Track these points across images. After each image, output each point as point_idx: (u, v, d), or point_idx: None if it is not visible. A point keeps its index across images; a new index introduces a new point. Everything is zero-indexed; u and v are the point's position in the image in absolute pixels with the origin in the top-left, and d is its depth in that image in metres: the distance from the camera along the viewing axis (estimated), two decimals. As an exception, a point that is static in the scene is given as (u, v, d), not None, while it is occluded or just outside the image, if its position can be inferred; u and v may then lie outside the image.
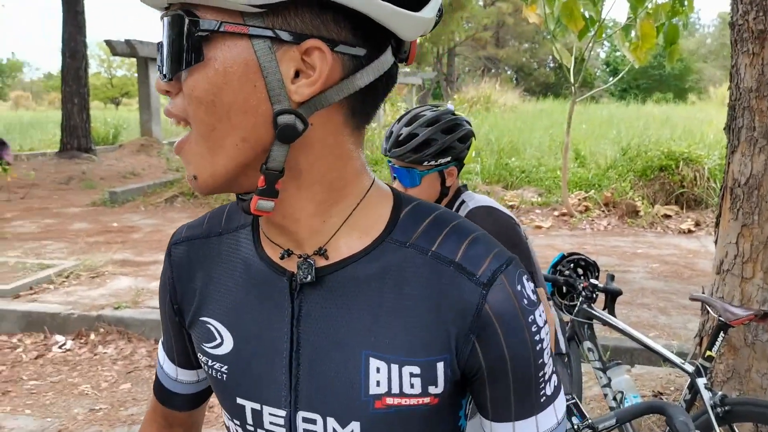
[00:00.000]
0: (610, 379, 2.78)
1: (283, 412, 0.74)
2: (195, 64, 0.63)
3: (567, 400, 1.67)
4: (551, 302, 3.05)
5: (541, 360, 0.70)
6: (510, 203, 9.23)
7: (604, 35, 7.59)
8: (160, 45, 0.66)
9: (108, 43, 15.39)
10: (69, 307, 5.14)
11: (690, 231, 8.07)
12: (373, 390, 0.70)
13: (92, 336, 4.86)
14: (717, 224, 3.11)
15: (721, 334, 2.50)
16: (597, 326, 2.98)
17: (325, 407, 0.72)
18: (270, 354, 0.74)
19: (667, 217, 8.52)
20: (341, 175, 0.70)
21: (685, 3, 6.30)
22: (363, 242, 0.72)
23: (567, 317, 3.04)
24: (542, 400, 0.72)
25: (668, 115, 17.27)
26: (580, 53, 8.20)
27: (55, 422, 3.67)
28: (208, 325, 0.79)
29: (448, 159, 1.87)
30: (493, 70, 39.39)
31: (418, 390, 0.70)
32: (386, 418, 0.70)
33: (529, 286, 0.70)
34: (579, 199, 9.06)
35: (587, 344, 2.93)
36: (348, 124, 0.68)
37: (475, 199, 1.90)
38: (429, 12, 0.66)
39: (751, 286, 2.89)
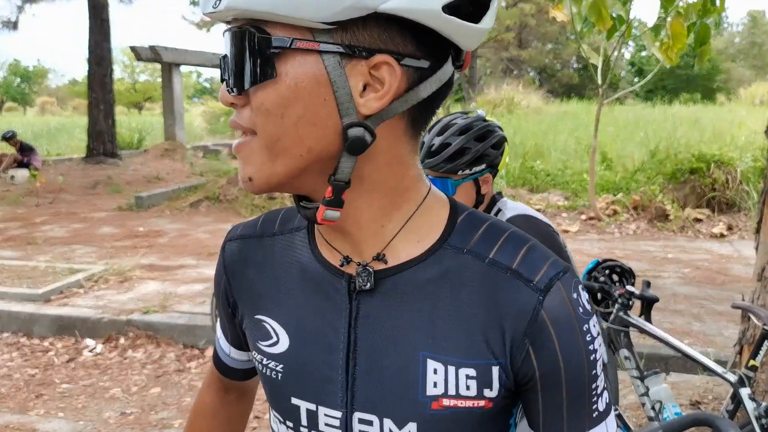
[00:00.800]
0: (647, 389, 2.73)
1: (339, 413, 0.75)
2: (267, 80, 0.64)
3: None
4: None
5: (595, 371, 0.71)
6: (536, 207, 9.15)
7: (632, 35, 7.48)
8: (224, 58, 0.68)
9: (133, 49, 15.64)
10: (99, 312, 5.21)
11: (722, 235, 7.93)
12: (431, 391, 0.71)
13: (122, 340, 4.92)
14: (758, 230, 3.03)
15: (766, 342, 2.44)
16: (632, 333, 2.92)
17: (382, 408, 0.72)
18: (326, 353, 0.75)
19: (698, 221, 8.39)
20: (401, 182, 0.72)
21: (717, 2, 6.18)
22: (421, 247, 0.73)
23: (603, 324, 3.00)
24: (594, 415, 0.72)
25: (697, 116, 17.02)
26: (605, 54, 8.11)
27: (88, 425, 3.71)
28: (264, 324, 0.81)
29: (483, 167, 1.84)
30: (515, 72, 39.22)
31: (473, 392, 0.71)
32: (442, 419, 0.71)
33: (584, 295, 0.72)
34: (607, 203, 8.96)
35: (624, 352, 2.88)
36: (407, 133, 0.70)
37: (512, 207, 1.87)
38: (488, 22, 0.68)
39: (796, 294, 2.82)
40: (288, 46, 0.63)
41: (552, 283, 0.69)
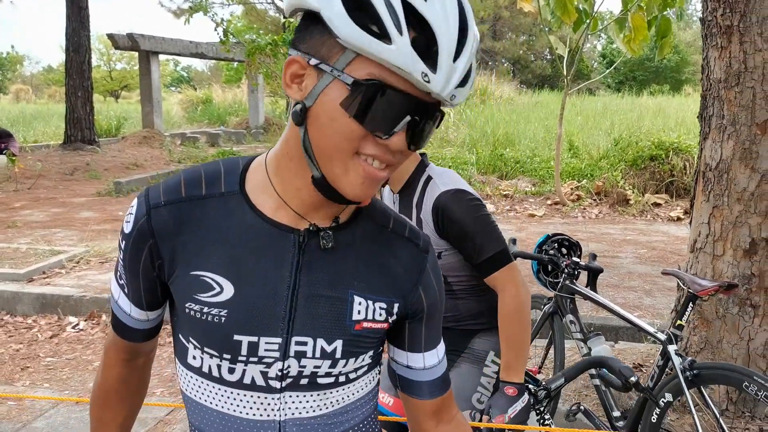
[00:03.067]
0: (590, 349, 2.98)
1: (279, 339, 0.93)
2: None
3: None
4: (536, 279, 3.29)
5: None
6: (504, 192, 9.45)
7: (598, 27, 7.78)
8: (426, 124, 0.87)
9: (110, 36, 15.54)
10: (81, 290, 5.33)
11: (679, 219, 8.28)
12: (355, 317, 0.97)
13: (104, 317, 5.07)
14: (692, 206, 3.34)
15: (690, 304, 2.73)
16: (583, 306, 3.18)
17: (316, 331, 0.94)
18: (272, 295, 0.93)
19: (657, 205, 8.74)
20: None
21: (674, -2, 6.48)
22: (346, 216, 0.99)
23: (551, 293, 3.26)
24: (439, 338, 1.12)
25: (662, 106, 17.45)
26: (575, 45, 8.40)
27: (73, 394, 3.87)
28: (203, 278, 0.92)
29: None
30: (490, 63, 39.50)
31: (382, 318, 1.00)
32: (360, 336, 0.98)
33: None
34: (571, 188, 9.28)
35: (569, 317, 3.14)
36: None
37: (440, 175, 1.94)
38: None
39: (722, 263, 3.12)
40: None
41: (428, 246, 1.05)
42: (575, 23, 7.39)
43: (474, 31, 0.85)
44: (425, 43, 0.80)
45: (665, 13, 6.98)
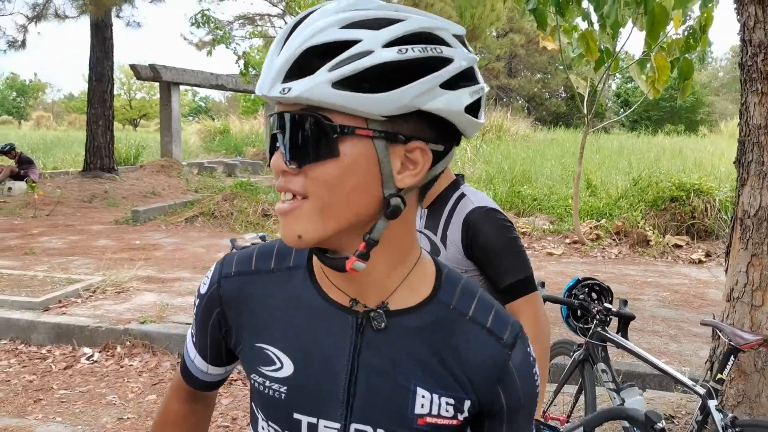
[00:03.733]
0: (623, 401, 2.87)
1: (337, 425, 0.89)
2: (330, 158, 0.78)
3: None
4: (566, 325, 3.20)
5: (537, 399, 0.97)
6: (522, 230, 9.36)
7: (619, 67, 7.78)
8: (281, 133, 0.80)
9: (133, 67, 15.78)
10: (96, 321, 5.28)
11: (700, 261, 8.15)
12: (418, 410, 0.89)
13: (119, 349, 4.99)
14: (727, 253, 3.25)
15: (732, 357, 2.63)
16: (610, 350, 3.09)
17: (376, 420, 0.88)
18: (330, 376, 0.89)
19: (678, 247, 8.62)
20: (409, 242, 0.89)
21: (699, 39, 6.46)
22: (416, 297, 0.90)
23: (581, 339, 3.17)
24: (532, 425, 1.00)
25: (679, 146, 17.38)
26: (592, 85, 8.39)
27: (86, 429, 3.79)
28: (267, 352, 0.93)
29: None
30: (505, 99, 39.72)
31: (450, 414, 0.90)
32: (424, 431, 0.90)
33: (530, 345, 0.95)
34: (590, 228, 9.18)
35: (601, 366, 3.05)
36: (418, 201, 0.88)
37: (477, 196, 1.89)
38: (483, 118, 0.88)
39: (761, 314, 3.02)
40: (348, 132, 0.78)
41: (515, 341, 0.91)
42: (596, 62, 7.39)
43: (310, 24, 0.79)
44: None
45: (687, 55, 6.96)
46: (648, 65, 7.35)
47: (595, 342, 3.08)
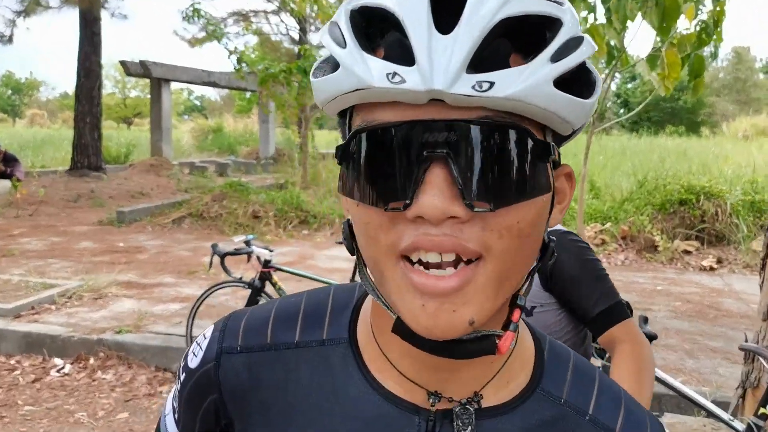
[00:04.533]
0: None
1: None
2: (540, 195, 0.53)
3: None
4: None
5: None
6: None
7: (629, 64, 7.46)
8: (461, 154, 0.50)
9: (123, 63, 15.64)
10: (70, 330, 5.02)
11: (712, 268, 7.85)
12: None
13: (91, 360, 4.73)
14: (763, 266, 2.90)
15: (776, 388, 2.29)
16: None
17: None
18: None
19: (687, 253, 8.31)
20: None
21: (712, 34, 6.16)
22: (512, 390, 0.63)
23: (599, 362, 2.85)
24: None
25: (683, 148, 17.14)
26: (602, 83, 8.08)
27: (48, 453, 3.52)
28: None
29: None
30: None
31: None
32: None
33: None
34: (595, 232, 8.87)
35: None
36: None
37: None
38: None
39: (802, 335, 2.68)
40: (553, 153, 0.54)
41: None
42: (608, 58, 7.09)
43: None
44: (390, 39, 0.53)
45: (699, 51, 6.67)
46: (658, 61, 7.05)
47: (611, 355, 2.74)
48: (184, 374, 0.72)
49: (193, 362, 0.70)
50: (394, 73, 0.49)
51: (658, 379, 2.60)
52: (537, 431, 0.62)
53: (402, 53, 0.50)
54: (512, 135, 0.50)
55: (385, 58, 0.51)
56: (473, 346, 0.55)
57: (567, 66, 0.51)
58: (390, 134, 0.50)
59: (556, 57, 0.51)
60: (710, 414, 2.44)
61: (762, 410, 2.28)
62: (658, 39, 6.78)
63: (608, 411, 0.64)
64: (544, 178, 0.53)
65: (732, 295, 6.70)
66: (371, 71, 0.50)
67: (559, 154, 0.56)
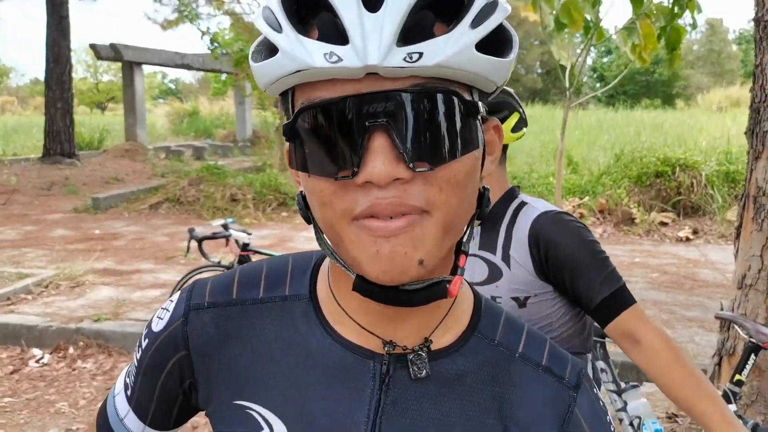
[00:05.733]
0: (626, 403, 2.62)
1: None
2: (471, 151, 0.59)
3: None
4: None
5: None
6: (503, 210, 9.11)
7: (605, 37, 7.46)
8: (400, 121, 0.55)
9: (93, 47, 15.39)
10: (47, 319, 4.98)
11: (688, 239, 7.97)
12: None
13: (71, 350, 4.69)
14: (738, 235, 2.93)
15: (753, 356, 2.33)
16: (610, 347, 2.80)
17: None
18: None
19: (664, 224, 8.44)
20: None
21: (685, 5, 6.16)
22: (454, 333, 0.70)
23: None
24: None
25: (658, 121, 17.28)
26: (578, 57, 8.07)
27: (30, 443, 3.50)
28: (249, 411, 0.70)
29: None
30: (481, 76, 39.56)
31: None
32: None
33: (597, 389, 0.76)
34: (573, 206, 8.96)
35: (600, 364, 2.78)
36: None
37: (536, 201, 1.61)
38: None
39: (777, 302, 2.73)
40: (481, 111, 0.59)
41: (580, 381, 0.72)
42: (584, 31, 7.08)
43: None
44: (322, 20, 0.57)
45: (676, 23, 6.67)
46: (634, 33, 7.06)
47: (593, 338, 2.77)
48: (146, 340, 0.75)
49: (159, 325, 0.74)
50: (331, 53, 0.53)
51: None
52: (480, 368, 0.69)
53: (336, 33, 0.54)
54: (442, 99, 0.56)
55: (320, 38, 0.55)
56: (427, 292, 0.60)
57: (486, 30, 0.56)
58: (332, 109, 0.55)
59: (476, 23, 0.56)
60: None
61: (738, 377, 2.31)
62: (635, 10, 6.79)
63: (535, 348, 0.72)
64: (475, 134, 0.59)
65: (708, 265, 6.81)
66: (310, 54, 0.54)
67: (486, 110, 0.61)
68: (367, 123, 0.54)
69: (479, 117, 0.60)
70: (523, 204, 1.58)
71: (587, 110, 27.05)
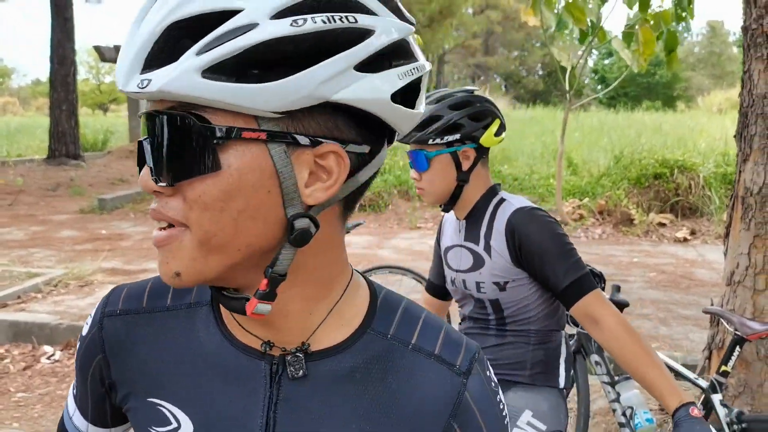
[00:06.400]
0: (618, 394, 2.71)
1: None
2: (209, 173, 0.59)
3: None
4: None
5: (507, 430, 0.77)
6: (504, 211, 9.19)
7: (606, 39, 7.57)
8: (148, 142, 0.61)
9: (97, 49, 15.43)
10: (57, 317, 5.07)
11: (686, 239, 8.05)
12: None
13: (81, 347, 4.81)
14: (727, 234, 3.05)
15: (738, 348, 2.44)
16: None
17: None
18: None
19: (662, 225, 8.52)
20: (334, 268, 0.71)
21: (687, 9, 6.27)
22: (345, 332, 0.72)
23: (574, 330, 2.97)
24: None
25: (659, 123, 17.36)
26: (578, 59, 8.19)
27: (44, 435, 3.57)
28: (160, 408, 0.76)
29: (457, 136, 1.72)
30: (482, 78, 39.56)
31: None
32: None
33: (491, 369, 0.77)
34: (573, 207, 9.04)
35: (594, 357, 2.87)
36: (341, 218, 0.69)
37: (514, 197, 1.79)
38: (422, 107, 0.69)
39: (764, 299, 2.85)
40: (233, 136, 0.58)
41: (472, 366, 0.73)
42: (581, 35, 7.20)
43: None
44: None
45: (671, 26, 6.78)
46: (633, 38, 7.18)
47: (587, 332, 2.88)
48: (78, 344, 0.83)
49: (84, 330, 0.82)
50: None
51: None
52: (368, 365, 0.71)
53: None
54: (178, 122, 0.58)
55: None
56: (233, 303, 0.65)
57: (214, 56, 0.55)
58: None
59: (204, 49, 0.56)
60: (677, 374, 2.58)
61: (723, 368, 2.43)
62: (631, 15, 6.89)
63: (429, 338, 0.73)
64: (209, 158, 0.58)
65: (705, 265, 6.91)
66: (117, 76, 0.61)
67: (309, 138, 0.60)
68: (141, 139, 0.63)
69: (215, 140, 0.58)
70: (502, 200, 1.76)
71: (589, 112, 27.12)
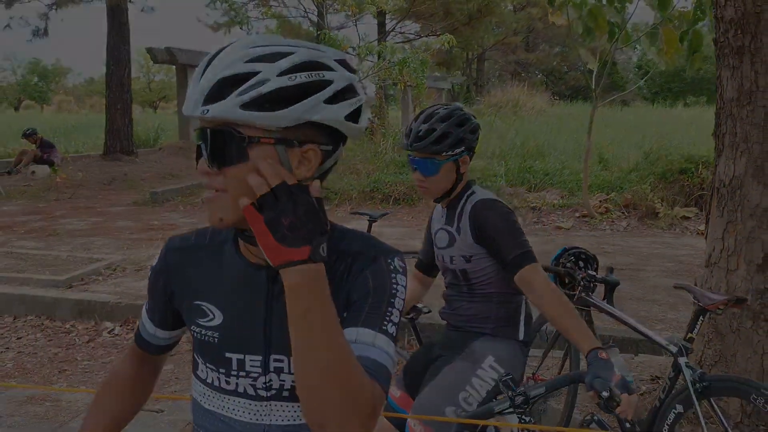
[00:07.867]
0: None
1: (260, 357, 1.12)
2: (242, 162, 0.99)
3: (504, 376, 1.99)
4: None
5: (393, 300, 1.06)
6: (532, 205, 9.47)
7: (631, 40, 7.78)
8: (204, 144, 1.00)
9: (149, 50, 15.97)
10: (117, 297, 5.55)
11: (708, 232, 8.16)
12: None
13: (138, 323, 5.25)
14: (707, 222, 3.38)
15: (701, 317, 2.78)
16: (605, 320, 3.19)
17: (290, 350, 1.01)
18: (252, 320, 1.11)
19: (686, 218, 8.68)
20: None
21: (707, 10, 6.45)
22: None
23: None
24: (384, 327, 1.05)
25: (695, 118, 17.23)
26: (601, 59, 8.41)
27: (108, 396, 4.07)
28: (203, 307, 1.15)
29: (462, 149, 2.22)
30: (523, 74, 39.38)
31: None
32: None
33: (401, 263, 1.11)
34: (600, 201, 9.25)
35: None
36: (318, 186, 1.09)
37: (482, 192, 2.26)
38: (364, 122, 1.08)
39: (736, 278, 3.15)
40: (256, 141, 0.98)
41: (376, 254, 1.10)
42: (609, 35, 7.40)
43: (222, 58, 0.99)
44: None
45: (697, 26, 6.93)
46: (658, 37, 7.33)
47: (579, 307, 3.22)
48: (151, 273, 1.26)
49: (155, 263, 1.24)
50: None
51: (618, 319, 3.08)
52: (329, 266, 1.02)
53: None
54: (223, 133, 0.97)
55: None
56: (249, 238, 1.06)
57: (246, 98, 0.95)
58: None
59: (241, 93, 0.95)
60: (652, 341, 2.91)
61: (689, 335, 2.78)
62: (658, 15, 7.08)
63: (354, 244, 1.11)
64: (241, 153, 0.97)
65: (723, 257, 7.09)
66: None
67: (298, 142, 0.99)
68: (197, 142, 1.02)
69: (245, 143, 0.96)
70: (472, 192, 2.25)
71: (631, 107, 26.82)
